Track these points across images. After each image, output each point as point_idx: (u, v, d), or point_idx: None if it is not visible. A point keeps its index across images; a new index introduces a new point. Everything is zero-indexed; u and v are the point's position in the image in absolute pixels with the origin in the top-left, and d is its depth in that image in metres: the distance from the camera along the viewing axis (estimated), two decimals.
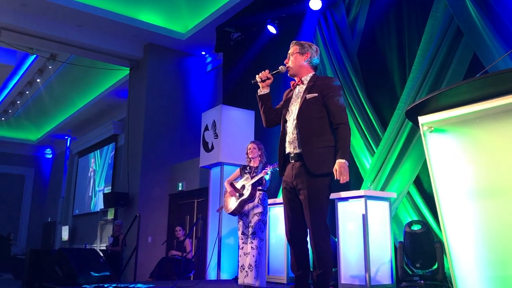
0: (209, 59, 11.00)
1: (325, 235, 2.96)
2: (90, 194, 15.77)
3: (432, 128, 2.34)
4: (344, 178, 2.87)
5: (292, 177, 3.06)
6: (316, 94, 3.07)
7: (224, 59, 9.43)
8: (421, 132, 2.39)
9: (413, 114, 2.47)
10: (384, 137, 5.66)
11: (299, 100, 3.15)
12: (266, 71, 3.22)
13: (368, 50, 6.36)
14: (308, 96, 3.09)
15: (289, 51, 3.27)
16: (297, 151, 3.05)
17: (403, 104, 5.49)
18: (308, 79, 3.20)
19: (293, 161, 3.08)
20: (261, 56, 8.31)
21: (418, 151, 5.25)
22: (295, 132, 3.07)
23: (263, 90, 3.27)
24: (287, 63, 3.24)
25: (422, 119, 2.39)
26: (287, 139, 3.14)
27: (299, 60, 3.21)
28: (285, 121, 3.19)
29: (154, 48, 10.48)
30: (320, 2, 6.86)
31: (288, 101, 3.25)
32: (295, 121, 3.08)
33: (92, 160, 16.17)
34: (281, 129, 3.22)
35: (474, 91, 2.14)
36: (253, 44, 8.41)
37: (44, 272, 5.66)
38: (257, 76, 3.23)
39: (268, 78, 3.23)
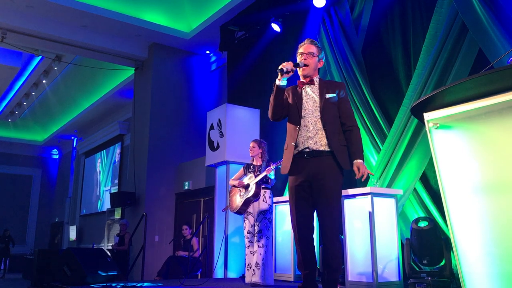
0: (213, 58, 11.01)
1: (339, 232, 3.03)
2: (97, 194, 15.84)
3: (438, 125, 2.34)
4: (364, 176, 3.05)
5: (310, 173, 3.04)
6: (334, 95, 3.18)
7: (228, 58, 9.44)
8: (427, 129, 2.39)
9: (418, 111, 2.46)
10: (389, 134, 5.65)
11: (316, 98, 3.18)
12: (290, 62, 3.09)
13: (373, 47, 6.34)
14: (327, 95, 3.16)
15: (306, 49, 3.24)
16: (321, 147, 3.06)
17: (408, 100, 5.48)
18: (318, 81, 3.27)
19: (312, 157, 3.06)
20: (265, 54, 8.31)
21: (424, 148, 5.23)
22: (317, 128, 3.09)
23: (282, 81, 3.10)
24: (305, 60, 3.21)
25: (427, 116, 2.38)
26: (307, 134, 3.10)
27: (316, 64, 3.26)
28: (301, 117, 3.15)
29: (158, 48, 10.51)
30: None
31: (298, 99, 3.21)
32: (318, 118, 3.11)
33: (99, 160, 16.24)
34: (293, 125, 3.17)
35: (479, 87, 2.13)
36: (257, 42, 8.41)
37: (52, 272, 5.70)
38: (282, 65, 3.06)
39: (292, 70, 3.09)
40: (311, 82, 3.24)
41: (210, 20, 9.32)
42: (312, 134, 3.09)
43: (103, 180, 15.54)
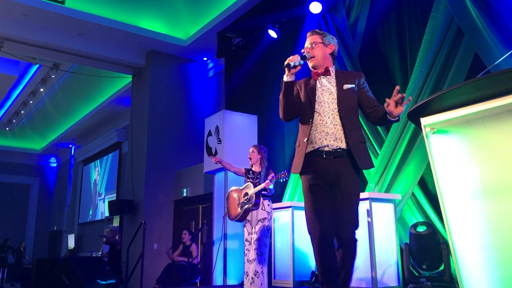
0: (211, 65, 11.03)
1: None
2: (95, 202, 15.80)
3: (435, 129, 2.34)
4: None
5: (330, 174, 2.76)
6: (353, 85, 2.92)
7: (225, 64, 9.46)
8: (424, 134, 2.39)
9: (415, 116, 2.47)
10: (387, 138, 5.65)
11: (332, 90, 2.91)
12: (296, 55, 2.80)
13: (369, 52, 6.36)
14: (346, 86, 2.90)
15: (309, 41, 3.01)
16: (341, 144, 2.78)
17: (405, 105, 5.48)
18: (334, 70, 3.00)
19: (331, 157, 2.77)
20: (262, 60, 8.33)
21: (421, 152, 5.24)
22: (335, 123, 2.82)
23: (290, 77, 2.83)
24: (309, 52, 2.96)
25: (424, 121, 2.39)
26: (324, 129, 2.81)
27: (323, 51, 2.97)
28: (314, 111, 2.88)
29: (156, 55, 10.52)
30: (320, 5, 6.87)
31: (312, 91, 2.95)
32: (335, 111, 2.85)
33: (97, 168, 16.21)
34: (306, 119, 2.89)
35: (476, 92, 2.13)
36: (254, 48, 8.43)
37: (51, 281, 5.67)
38: (288, 59, 2.79)
39: (300, 64, 2.80)
40: (326, 73, 2.95)
41: (207, 27, 9.34)
42: (330, 130, 2.80)
43: (101, 188, 15.51)
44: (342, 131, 2.81)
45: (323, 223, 2.69)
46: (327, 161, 2.78)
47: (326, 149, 2.79)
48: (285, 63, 2.78)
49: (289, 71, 2.79)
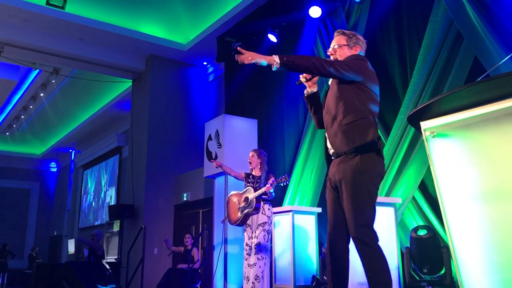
0: (211, 69, 11.04)
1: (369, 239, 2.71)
2: (95, 206, 15.78)
3: (435, 133, 2.33)
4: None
5: (335, 175, 2.75)
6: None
7: (225, 69, 9.46)
8: (424, 137, 2.39)
9: (415, 120, 2.47)
10: (387, 142, 5.65)
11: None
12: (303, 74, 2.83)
13: (369, 56, 6.32)
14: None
15: (333, 43, 2.93)
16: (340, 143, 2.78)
17: (405, 109, 5.49)
18: None
19: (335, 157, 2.78)
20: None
21: (422, 156, 5.23)
22: (335, 128, 2.79)
23: (310, 90, 2.89)
24: (332, 54, 2.91)
25: (424, 124, 2.38)
26: (329, 133, 2.83)
27: (347, 54, 2.89)
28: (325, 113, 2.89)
29: (156, 60, 10.54)
30: (320, 9, 6.88)
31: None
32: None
33: (97, 173, 16.20)
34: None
35: (476, 95, 2.13)
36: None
37: (51, 286, 5.66)
38: (300, 76, 2.85)
39: (313, 76, 2.84)
40: None
41: (207, 31, 9.36)
42: (332, 134, 2.76)
43: (101, 192, 15.49)
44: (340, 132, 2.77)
45: (332, 230, 2.75)
46: (333, 162, 2.79)
47: (332, 150, 2.80)
48: (297, 81, 2.91)
49: (306, 86, 2.88)
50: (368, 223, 2.63)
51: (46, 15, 8.73)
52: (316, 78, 2.88)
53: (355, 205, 2.61)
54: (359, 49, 2.95)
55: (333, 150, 2.76)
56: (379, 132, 2.75)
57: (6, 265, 14.50)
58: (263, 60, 2.64)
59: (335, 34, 2.97)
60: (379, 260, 2.58)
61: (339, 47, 2.89)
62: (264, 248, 4.88)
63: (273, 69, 2.62)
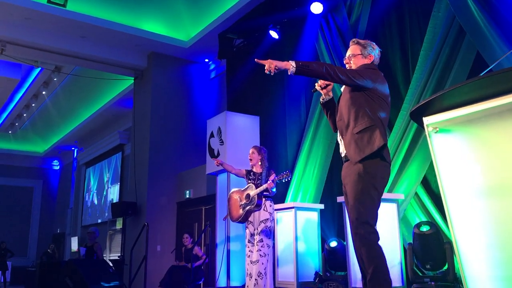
0: (212, 66, 11.03)
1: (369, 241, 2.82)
2: (98, 204, 15.82)
3: (437, 129, 2.33)
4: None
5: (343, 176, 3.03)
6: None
7: (227, 66, 9.45)
8: (426, 133, 2.38)
9: (417, 115, 2.46)
10: (389, 138, 5.64)
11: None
12: (318, 83, 3.03)
13: None
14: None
15: (348, 52, 3.12)
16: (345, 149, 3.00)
17: (407, 104, 5.48)
18: None
19: (344, 161, 3.02)
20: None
21: (424, 152, 5.22)
22: (349, 136, 2.99)
23: (326, 97, 3.11)
24: (347, 63, 3.10)
25: (427, 120, 2.38)
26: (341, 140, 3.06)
27: (361, 63, 3.06)
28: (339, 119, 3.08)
29: (157, 57, 10.53)
30: (321, 5, 6.87)
31: None
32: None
33: (99, 170, 16.23)
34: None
35: (478, 90, 2.12)
36: (256, 49, 8.43)
37: (55, 284, 5.68)
38: (316, 84, 3.05)
39: (328, 84, 3.05)
40: None
41: (208, 28, 9.34)
42: (347, 143, 2.93)
43: (104, 190, 15.52)
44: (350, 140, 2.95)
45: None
46: (343, 166, 3.00)
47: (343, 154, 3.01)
48: (313, 90, 3.14)
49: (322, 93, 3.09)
50: (368, 221, 2.74)
51: (48, 13, 8.72)
52: (330, 87, 3.07)
53: (356, 205, 2.76)
54: (373, 58, 3.10)
55: (344, 154, 2.96)
56: None
57: (6, 263, 14.50)
58: (280, 65, 2.76)
59: (351, 43, 3.15)
60: (378, 258, 2.67)
61: (354, 56, 3.07)
62: (267, 245, 4.88)
63: (289, 73, 2.75)
